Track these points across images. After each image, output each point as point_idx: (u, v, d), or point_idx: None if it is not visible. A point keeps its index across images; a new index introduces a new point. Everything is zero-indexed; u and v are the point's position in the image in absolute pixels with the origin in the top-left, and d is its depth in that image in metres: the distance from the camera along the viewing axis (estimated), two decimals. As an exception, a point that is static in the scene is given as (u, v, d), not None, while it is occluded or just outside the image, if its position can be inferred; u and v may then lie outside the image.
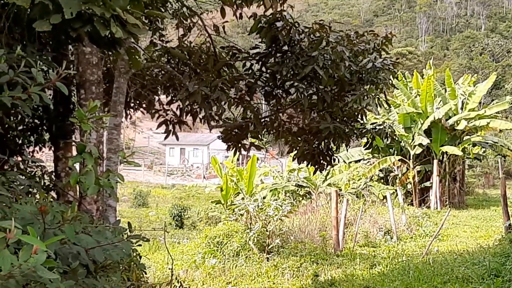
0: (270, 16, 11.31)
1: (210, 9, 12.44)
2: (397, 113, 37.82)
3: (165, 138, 12.73)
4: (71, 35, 7.01)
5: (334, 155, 13.32)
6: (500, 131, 42.88)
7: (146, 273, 9.65)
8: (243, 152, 14.06)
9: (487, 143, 41.47)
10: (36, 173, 8.99)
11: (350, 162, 35.06)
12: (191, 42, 12.19)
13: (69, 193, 8.76)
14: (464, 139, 39.24)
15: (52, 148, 9.70)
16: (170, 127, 12.50)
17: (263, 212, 21.27)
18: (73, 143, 8.94)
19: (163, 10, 11.41)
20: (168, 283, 10.74)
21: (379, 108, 29.46)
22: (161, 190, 58.44)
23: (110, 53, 8.57)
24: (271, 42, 11.54)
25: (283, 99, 12.34)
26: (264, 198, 25.75)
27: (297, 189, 31.14)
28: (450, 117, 37.99)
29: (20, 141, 9.41)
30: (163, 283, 11.24)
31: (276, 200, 24.92)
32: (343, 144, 13.48)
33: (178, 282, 10.60)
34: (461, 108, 38.90)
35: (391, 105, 36.99)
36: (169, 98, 11.97)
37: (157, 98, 12.56)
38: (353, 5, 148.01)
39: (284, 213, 22.04)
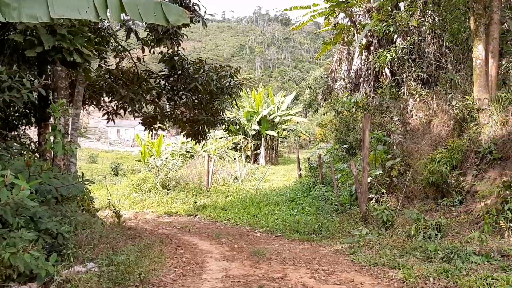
0: (171, 53, 11.12)
1: (136, 47, 12.02)
2: (243, 112, 38.15)
3: (107, 122, 12.24)
4: (49, 59, 6.60)
5: (207, 134, 13.27)
6: (298, 122, 44.22)
7: (93, 202, 9.32)
8: (155, 132, 13.82)
9: (291, 129, 42.80)
10: (26, 142, 8.49)
11: (216, 138, 35.05)
12: (123, 66, 11.75)
13: (46, 155, 8.26)
14: (278, 126, 40.19)
15: (37, 127, 9.11)
16: (110, 116, 12.04)
17: (166, 166, 20.94)
18: (49, 124, 8.44)
19: (106, 47, 10.95)
20: (107, 207, 10.40)
21: (233, 109, 29.62)
22: (105, 153, 56.04)
23: (73, 71, 8.13)
24: (171, 68, 11.34)
25: (178, 101, 12.14)
26: (166, 158, 25.28)
27: (186, 153, 30.79)
28: (271, 115, 38.75)
29: (16, 122, 8.84)
30: (104, 207, 10.90)
31: (173, 159, 24.59)
32: (212, 129, 13.44)
33: (113, 206, 10.28)
34: (277, 110, 39.76)
35: (240, 108, 37.41)
36: (110, 99, 11.48)
37: (102, 99, 12.00)
38: (220, 49, 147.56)
39: (177, 167, 21.81)
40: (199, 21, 10.74)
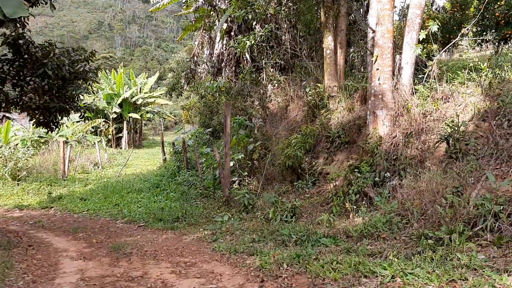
0: (15, 35, 10.05)
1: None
2: (103, 94, 36.26)
3: None
4: None
5: (59, 122, 12.35)
6: (162, 105, 43.55)
7: None
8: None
9: (155, 111, 41.99)
10: None
11: (74, 122, 32.80)
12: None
13: None
14: (142, 109, 39.10)
15: None
16: None
17: (15, 155, 19.11)
18: None
19: None
20: None
21: (91, 92, 27.98)
22: None
23: None
24: (16, 52, 10.26)
25: (26, 88, 11.06)
26: (16, 145, 23.03)
27: (39, 139, 28.33)
28: (133, 97, 37.48)
29: None
30: None
31: (24, 147, 22.54)
32: (66, 116, 12.52)
33: None
34: (140, 92, 38.64)
35: (99, 90, 35.54)
36: None
37: None
38: (76, 26, 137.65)
39: (29, 155, 20.06)
40: (46, 3, 9.83)
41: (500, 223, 5.32)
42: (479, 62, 8.97)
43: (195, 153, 16.37)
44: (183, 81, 23.62)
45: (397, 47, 9.54)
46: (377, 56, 9.00)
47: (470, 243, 5.24)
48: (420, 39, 9.20)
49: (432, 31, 9.23)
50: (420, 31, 9.23)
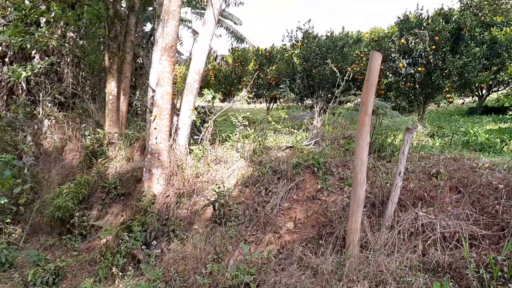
0: None
1: None
2: None
3: None
4: None
5: None
6: None
7: None
8: None
9: None
10: None
11: None
12: None
13: None
14: None
15: None
16: None
17: None
18: None
19: None
20: None
21: None
22: None
23: None
24: None
25: None
26: None
27: None
28: None
29: None
30: None
31: None
32: None
33: None
34: None
35: None
36: None
37: None
38: None
39: None
40: None
41: (249, 293, 5.87)
42: (248, 129, 9.96)
43: None
44: None
45: (176, 108, 9.94)
46: (155, 116, 9.22)
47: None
48: (196, 106, 9.79)
49: (207, 100, 9.92)
50: (197, 95, 9.83)
